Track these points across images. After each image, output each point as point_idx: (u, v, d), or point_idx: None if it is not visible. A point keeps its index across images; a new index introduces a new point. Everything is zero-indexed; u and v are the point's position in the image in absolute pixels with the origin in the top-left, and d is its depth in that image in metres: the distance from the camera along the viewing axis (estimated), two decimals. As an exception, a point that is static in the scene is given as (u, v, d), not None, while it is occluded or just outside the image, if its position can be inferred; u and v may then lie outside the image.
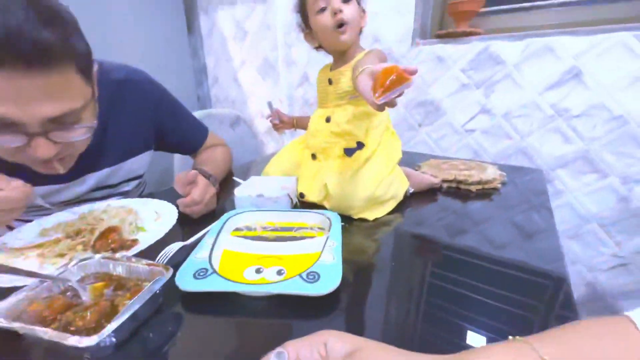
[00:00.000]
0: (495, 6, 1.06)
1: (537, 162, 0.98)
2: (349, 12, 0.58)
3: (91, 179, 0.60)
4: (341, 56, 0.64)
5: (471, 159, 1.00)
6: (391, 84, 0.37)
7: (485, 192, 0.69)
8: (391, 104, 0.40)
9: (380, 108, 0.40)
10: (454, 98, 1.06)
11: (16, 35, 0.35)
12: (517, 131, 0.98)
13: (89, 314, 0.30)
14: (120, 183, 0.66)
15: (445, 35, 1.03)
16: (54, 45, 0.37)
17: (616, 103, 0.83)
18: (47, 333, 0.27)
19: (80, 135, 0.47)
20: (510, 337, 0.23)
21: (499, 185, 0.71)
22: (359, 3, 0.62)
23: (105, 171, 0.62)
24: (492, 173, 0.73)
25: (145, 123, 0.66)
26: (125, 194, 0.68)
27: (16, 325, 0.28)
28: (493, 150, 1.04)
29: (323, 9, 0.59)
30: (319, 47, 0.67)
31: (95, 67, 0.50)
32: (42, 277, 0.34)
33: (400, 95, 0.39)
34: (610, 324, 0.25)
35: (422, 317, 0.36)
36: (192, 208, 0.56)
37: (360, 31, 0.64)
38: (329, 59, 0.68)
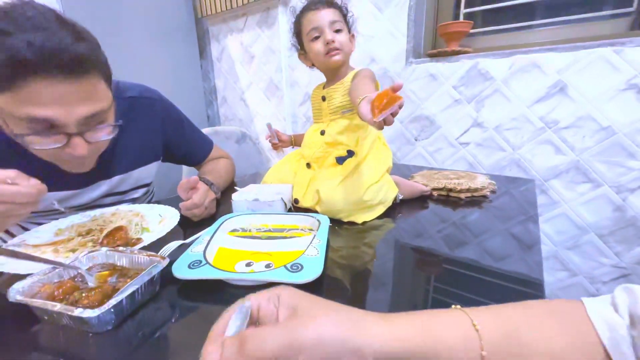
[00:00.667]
0: (483, 27, 1.12)
1: (531, 173, 1.00)
2: (340, 39, 0.65)
3: (103, 186, 0.66)
4: (333, 75, 0.70)
5: (466, 170, 1.02)
6: (386, 105, 0.43)
7: (475, 200, 0.71)
8: (389, 122, 0.45)
9: (380, 126, 0.46)
10: (447, 112, 1.10)
11: (58, 50, 0.42)
12: (509, 143, 1.01)
13: (93, 293, 0.34)
14: (129, 190, 0.71)
15: (437, 55, 1.10)
16: (85, 56, 0.45)
17: (602, 114, 0.86)
18: (55, 306, 0.31)
19: (106, 135, 0.54)
20: (452, 306, 0.26)
21: (488, 193, 0.73)
22: (349, 30, 0.69)
23: (115, 179, 0.67)
24: (481, 182, 0.75)
25: (154, 136, 0.73)
26: (134, 201, 0.74)
27: (30, 301, 0.32)
28: (487, 162, 1.06)
29: (317, 37, 0.66)
30: (312, 66, 0.73)
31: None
32: (55, 264, 0.39)
33: (395, 114, 0.44)
34: (560, 305, 0.26)
35: (400, 303, 0.38)
36: (192, 211, 0.60)
37: (350, 53, 0.70)
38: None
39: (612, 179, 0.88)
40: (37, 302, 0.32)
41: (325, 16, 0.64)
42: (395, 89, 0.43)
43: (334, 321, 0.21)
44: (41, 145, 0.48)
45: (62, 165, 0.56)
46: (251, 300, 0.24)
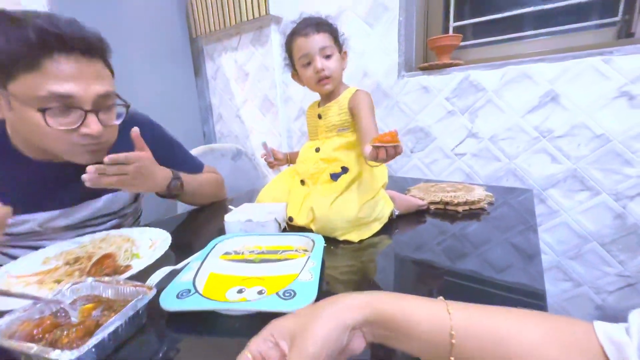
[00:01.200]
0: (473, 40, 1.14)
1: (529, 182, 0.99)
2: (331, 66, 0.65)
3: (91, 205, 0.65)
4: (327, 95, 0.70)
5: (463, 181, 1.02)
6: (385, 141, 0.48)
7: (472, 213, 0.70)
8: (381, 157, 0.48)
9: (372, 156, 0.49)
10: (442, 124, 1.11)
11: (77, 30, 0.49)
12: (505, 153, 1.01)
13: (74, 330, 0.32)
14: (120, 210, 0.71)
15: (428, 68, 1.11)
16: (97, 40, 0.53)
17: (596, 122, 0.86)
18: (32, 348, 0.29)
19: (114, 120, 0.58)
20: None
21: (485, 206, 0.72)
22: (340, 50, 0.69)
23: (104, 198, 0.67)
24: (478, 194, 0.74)
25: None
26: (125, 217, 0.73)
27: (5, 343, 0.30)
28: (484, 173, 1.06)
29: (308, 64, 0.66)
30: (305, 85, 0.73)
31: None
32: (35, 299, 0.37)
33: (390, 156, 0.48)
34: (565, 319, 0.25)
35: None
36: (107, 169, 0.53)
37: (341, 75, 0.70)
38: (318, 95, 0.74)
39: (610, 187, 0.87)
40: (13, 344, 0.30)
41: (315, 43, 0.63)
42: (395, 134, 0.47)
43: (322, 324, 0.25)
44: (59, 125, 0.50)
45: (75, 157, 0.56)
46: (252, 353, 0.26)
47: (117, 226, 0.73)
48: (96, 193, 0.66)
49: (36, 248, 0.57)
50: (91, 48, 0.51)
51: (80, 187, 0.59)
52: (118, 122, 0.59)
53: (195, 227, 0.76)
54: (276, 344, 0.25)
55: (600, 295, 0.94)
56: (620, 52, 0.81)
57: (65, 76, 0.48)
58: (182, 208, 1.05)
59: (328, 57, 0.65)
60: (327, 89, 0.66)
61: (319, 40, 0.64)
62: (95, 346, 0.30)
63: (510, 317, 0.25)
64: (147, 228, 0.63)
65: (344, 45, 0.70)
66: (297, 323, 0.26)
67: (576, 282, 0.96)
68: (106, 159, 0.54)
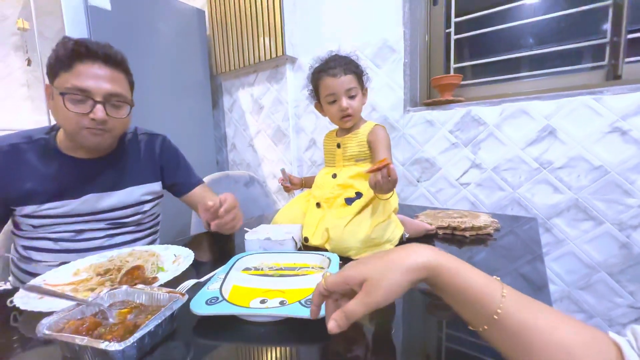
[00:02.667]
0: (473, 79, 1.24)
1: (533, 211, 1.02)
2: (354, 105, 0.72)
3: (113, 195, 0.77)
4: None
5: (469, 210, 1.05)
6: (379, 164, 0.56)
7: (480, 238, 0.73)
8: (377, 182, 0.56)
9: (371, 182, 0.57)
10: (446, 155, 1.16)
11: (103, 47, 0.67)
12: (508, 183, 1.05)
13: (116, 328, 0.36)
14: (139, 203, 0.82)
15: (432, 104, 1.19)
16: (119, 57, 0.70)
17: (593, 155, 0.91)
18: (83, 340, 0.32)
19: (121, 115, 0.71)
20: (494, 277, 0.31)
21: (492, 231, 0.75)
22: (362, 87, 0.75)
23: (127, 190, 0.79)
24: (484, 220, 0.78)
25: (154, 161, 0.86)
26: (144, 212, 0.84)
27: (59, 336, 0.34)
28: (489, 202, 1.09)
29: (333, 101, 0.73)
30: (326, 115, 0.80)
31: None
32: (79, 301, 0.40)
33: (385, 177, 0.55)
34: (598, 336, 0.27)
35: (413, 342, 0.39)
36: (225, 217, 0.68)
37: (361, 110, 0.76)
38: (332, 126, 0.81)
39: (613, 217, 0.90)
40: (66, 337, 0.33)
41: (342, 84, 0.70)
42: (383, 160, 0.56)
43: (391, 281, 0.30)
44: (75, 110, 0.65)
45: (82, 138, 0.68)
46: (328, 284, 0.34)
47: (139, 222, 0.83)
48: (120, 185, 0.78)
49: (75, 231, 0.73)
50: (110, 59, 0.68)
51: (105, 179, 0.76)
52: (123, 116, 0.72)
53: (209, 248, 0.79)
54: (348, 285, 0.32)
55: (613, 327, 0.92)
56: (609, 92, 0.88)
57: (86, 76, 0.65)
58: (194, 230, 1.09)
59: (352, 97, 0.72)
60: (349, 125, 0.73)
61: (346, 82, 0.70)
62: (137, 341, 0.33)
63: (551, 315, 0.27)
64: (170, 245, 0.67)
65: (366, 83, 0.77)
66: (370, 271, 0.31)
67: (588, 313, 0.95)
68: (222, 210, 0.68)
